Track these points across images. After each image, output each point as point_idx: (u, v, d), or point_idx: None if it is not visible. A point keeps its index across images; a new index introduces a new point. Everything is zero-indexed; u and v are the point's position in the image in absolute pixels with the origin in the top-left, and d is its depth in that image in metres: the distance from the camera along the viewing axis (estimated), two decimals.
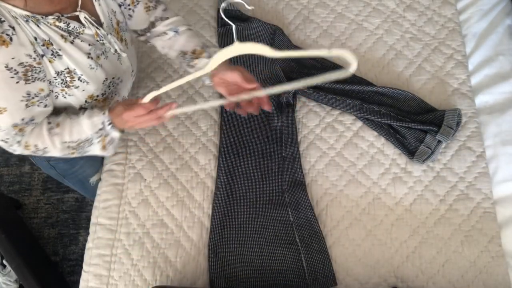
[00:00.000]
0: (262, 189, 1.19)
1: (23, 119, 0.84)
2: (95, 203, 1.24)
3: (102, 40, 0.90)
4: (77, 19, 0.84)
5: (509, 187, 1.16)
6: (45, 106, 0.87)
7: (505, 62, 1.30)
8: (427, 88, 1.29)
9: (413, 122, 1.19)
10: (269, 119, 1.27)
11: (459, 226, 1.13)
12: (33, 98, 0.83)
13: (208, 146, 1.27)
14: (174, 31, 1.03)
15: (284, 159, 1.22)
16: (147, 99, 0.87)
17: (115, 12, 0.92)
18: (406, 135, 1.20)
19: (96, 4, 0.88)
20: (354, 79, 1.30)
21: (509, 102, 1.25)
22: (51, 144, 0.91)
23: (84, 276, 1.15)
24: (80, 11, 0.83)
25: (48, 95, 0.87)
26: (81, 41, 0.85)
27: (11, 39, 0.74)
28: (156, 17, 1.04)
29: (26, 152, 0.93)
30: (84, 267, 1.16)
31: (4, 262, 1.50)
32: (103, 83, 0.93)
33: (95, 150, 0.97)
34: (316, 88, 1.27)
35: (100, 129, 0.92)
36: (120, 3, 0.98)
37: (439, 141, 1.17)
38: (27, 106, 0.83)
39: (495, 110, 1.25)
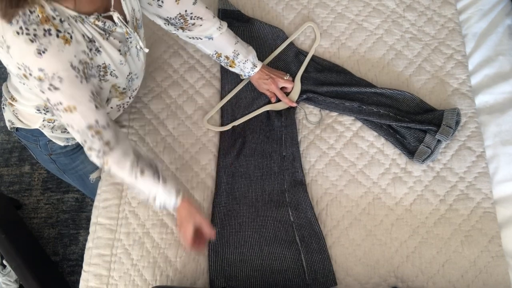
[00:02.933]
0: (262, 189, 1.19)
1: (97, 121, 0.87)
2: (95, 203, 1.24)
3: (130, 38, 0.95)
4: (109, 18, 0.88)
5: (509, 187, 1.16)
6: (103, 106, 0.91)
7: (505, 62, 1.30)
8: (427, 88, 1.29)
9: (412, 122, 1.19)
10: (269, 120, 1.27)
11: (459, 226, 1.13)
12: (96, 97, 0.86)
13: (208, 146, 1.27)
14: (209, 38, 1.16)
15: (285, 158, 1.22)
16: None
17: (134, 10, 0.96)
18: (405, 135, 1.21)
19: (123, 3, 0.91)
20: (353, 80, 1.30)
21: (509, 102, 1.25)
22: (125, 179, 0.97)
23: (84, 276, 1.15)
24: (114, 11, 0.87)
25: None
26: (114, 38, 0.90)
27: (71, 37, 0.78)
28: (187, 12, 1.07)
29: (98, 164, 0.95)
30: (84, 267, 1.16)
31: (4, 262, 1.50)
32: (126, 77, 0.99)
33: (137, 196, 1.10)
34: (315, 92, 1.27)
35: (164, 207, 1.02)
36: None
37: (439, 141, 1.17)
38: (96, 107, 0.86)
39: (495, 110, 1.25)
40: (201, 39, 1.16)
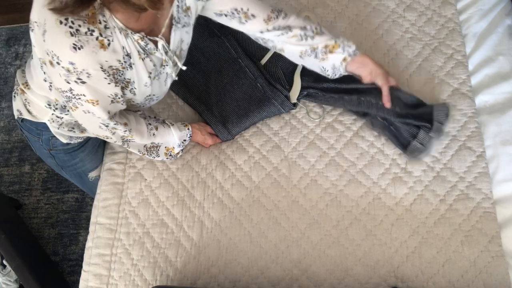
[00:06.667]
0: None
1: (109, 112, 0.94)
2: (95, 202, 1.24)
3: (167, 66, 0.96)
4: (154, 41, 0.89)
5: (509, 187, 1.16)
6: (123, 103, 0.96)
7: (505, 62, 1.30)
8: (427, 88, 1.29)
9: (408, 117, 1.18)
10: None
11: (459, 226, 1.13)
12: (119, 98, 0.91)
13: (209, 147, 1.27)
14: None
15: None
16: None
17: (182, 41, 0.98)
18: (400, 130, 1.20)
19: (172, 31, 0.93)
20: (351, 77, 1.30)
21: (509, 102, 1.25)
22: (145, 140, 1.09)
23: (84, 276, 1.15)
24: (161, 38, 0.89)
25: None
26: (150, 60, 0.91)
27: (109, 44, 0.80)
28: (276, 25, 1.07)
29: (120, 140, 1.05)
30: (84, 266, 1.16)
31: (4, 262, 1.50)
32: (145, 98, 1.01)
33: (161, 154, 1.18)
34: (315, 88, 1.27)
35: (184, 141, 1.19)
36: (231, 12, 1.01)
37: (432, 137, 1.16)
38: (112, 102, 0.92)
39: (495, 110, 1.25)
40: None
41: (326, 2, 1.44)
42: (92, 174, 1.29)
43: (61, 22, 0.74)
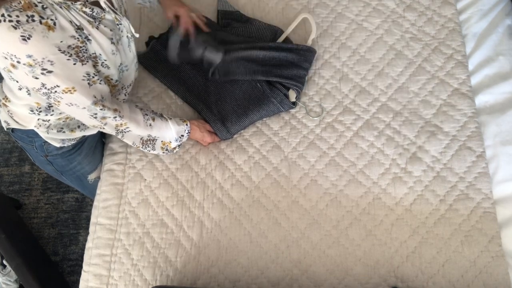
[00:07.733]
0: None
1: (95, 97, 0.90)
2: (95, 203, 1.24)
3: (120, 24, 0.94)
4: (97, 4, 0.87)
5: (509, 187, 1.16)
6: (104, 83, 0.93)
7: (505, 62, 1.30)
8: (427, 88, 1.29)
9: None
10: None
11: (459, 226, 1.13)
12: (93, 77, 0.88)
13: (209, 146, 1.27)
14: None
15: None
16: None
17: (122, 0, 0.96)
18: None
19: None
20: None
21: (509, 102, 1.25)
22: (142, 131, 1.07)
23: (84, 276, 1.15)
24: None
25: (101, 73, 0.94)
26: (104, 26, 0.89)
27: (54, 23, 0.78)
28: None
29: (114, 130, 1.03)
30: (84, 267, 1.17)
31: (4, 262, 1.50)
32: (118, 68, 0.98)
33: (157, 148, 1.15)
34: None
35: (181, 136, 1.16)
36: None
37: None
38: (89, 84, 0.88)
39: (495, 110, 1.25)
40: None
41: (326, 2, 1.44)
42: (91, 176, 1.29)
43: None
